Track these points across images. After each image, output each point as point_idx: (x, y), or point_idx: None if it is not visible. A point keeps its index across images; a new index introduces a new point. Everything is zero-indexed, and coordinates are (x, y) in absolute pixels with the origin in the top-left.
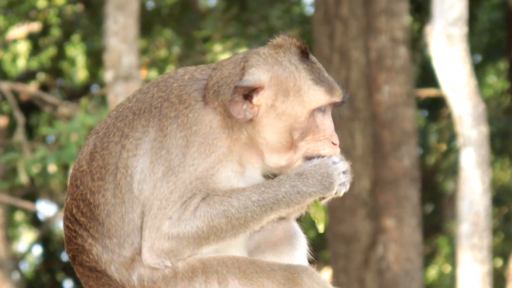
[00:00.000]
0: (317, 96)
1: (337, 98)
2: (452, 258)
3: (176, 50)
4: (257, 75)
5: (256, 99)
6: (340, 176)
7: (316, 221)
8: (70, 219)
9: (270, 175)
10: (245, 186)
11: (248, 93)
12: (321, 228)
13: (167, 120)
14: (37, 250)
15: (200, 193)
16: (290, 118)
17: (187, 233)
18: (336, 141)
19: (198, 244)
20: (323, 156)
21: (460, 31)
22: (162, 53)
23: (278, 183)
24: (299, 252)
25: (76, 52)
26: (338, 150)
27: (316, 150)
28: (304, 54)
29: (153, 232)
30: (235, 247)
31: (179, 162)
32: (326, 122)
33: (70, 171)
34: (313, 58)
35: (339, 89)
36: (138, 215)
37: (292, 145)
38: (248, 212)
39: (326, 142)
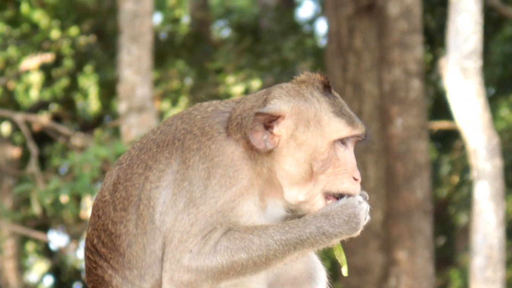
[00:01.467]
0: (338, 127)
1: (358, 131)
2: None
3: (189, 81)
4: (278, 104)
5: (276, 129)
6: (366, 216)
7: (341, 263)
8: (91, 250)
9: (291, 213)
10: (267, 222)
11: (269, 123)
12: (344, 271)
13: (189, 152)
14: (49, 281)
15: (221, 227)
16: (310, 148)
17: (207, 267)
18: (358, 176)
19: (217, 278)
20: (343, 192)
21: (475, 64)
22: (175, 84)
23: (303, 223)
24: (319, 286)
25: (89, 83)
26: (359, 186)
27: (336, 185)
28: (326, 89)
29: (173, 264)
30: (255, 281)
31: (201, 194)
32: (348, 157)
33: (83, 201)
34: (335, 93)
35: (360, 123)
36: (159, 247)
37: (312, 178)
38: (270, 250)
39: (346, 177)
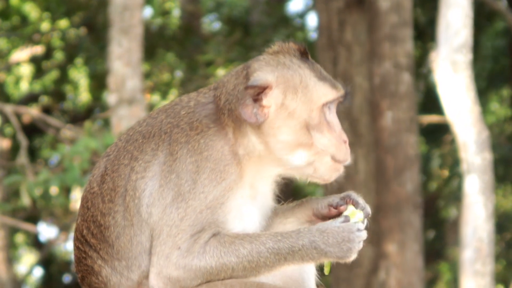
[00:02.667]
0: (324, 91)
1: (342, 93)
2: (453, 284)
3: (179, 74)
4: (263, 76)
5: (265, 101)
6: (360, 244)
7: (323, 264)
8: (81, 240)
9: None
10: (256, 210)
11: (257, 96)
12: (326, 270)
13: (177, 145)
14: (38, 272)
15: (210, 228)
16: (302, 114)
17: (195, 267)
18: (346, 138)
19: (206, 279)
20: (338, 159)
21: (465, 57)
22: (165, 77)
23: (297, 234)
24: (308, 276)
25: (79, 75)
26: (349, 149)
27: (333, 149)
28: (303, 55)
29: (161, 259)
30: None
31: (190, 188)
32: (335, 119)
33: (73, 193)
34: (311, 59)
35: (340, 83)
36: (146, 238)
37: (308, 141)
38: (261, 257)
39: (339, 141)
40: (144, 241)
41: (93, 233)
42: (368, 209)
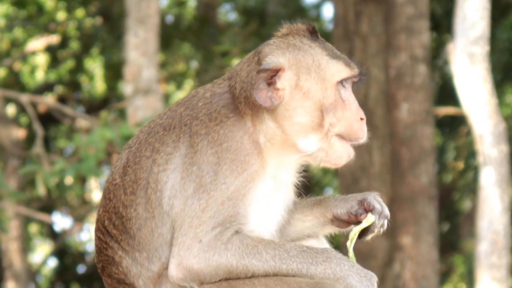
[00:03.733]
0: (338, 68)
1: (356, 72)
2: (467, 277)
3: (195, 64)
4: (274, 59)
5: (279, 83)
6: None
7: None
8: (102, 231)
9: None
10: (279, 202)
11: (270, 80)
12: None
13: (197, 137)
14: (52, 263)
15: (232, 224)
16: (317, 94)
17: (216, 262)
18: (363, 116)
19: (225, 276)
20: (354, 136)
21: (482, 49)
22: (181, 67)
23: (323, 255)
24: None
25: (95, 65)
26: (365, 126)
27: (348, 128)
28: (313, 34)
29: (182, 250)
30: None
31: (211, 179)
32: (351, 97)
33: (88, 183)
34: (321, 38)
35: (355, 63)
36: (167, 230)
37: (324, 124)
38: (283, 264)
39: (355, 119)
40: (165, 233)
41: (114, 224)
42: (386, 211)
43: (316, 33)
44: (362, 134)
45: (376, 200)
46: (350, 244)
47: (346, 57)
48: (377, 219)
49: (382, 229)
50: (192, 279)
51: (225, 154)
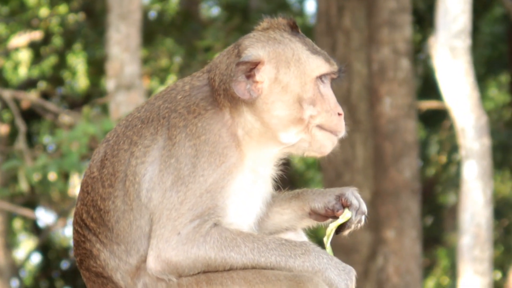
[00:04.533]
0: (317, 63)
1: (335, 68)
2: (450, 270)
3: (178, 59)
4: (254, 51)
5: (258, 76)
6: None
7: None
8: (80, 224)
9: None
10: (257, 195)
11: (250, 72)
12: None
13: (176, 129)
14: (36, 258)
15: (210, 216)
16: (296, 88)
17: (194, 255)
18: (341, 111)
19: (204, 269)
20: (332, 130)
21: (464, 43)
22: (164, 62)
23: (302, 248)
24: None
25: (77, 61)
26: (343, 121)
27: (328, 121)
28: (293, 29)
29: (160, 243)
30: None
31: (189, 172)
32: (329, 93)
33: (71, 179)
34: (301, 33)
35: (334, 60)
36: (145, 222)
37: (303, 116)
38: (262, 257)
39: (333, 114)
40: (144, 226)
41: (92, 217)
42: (364, 207)
43: (297, 27)
44: (341, 128)
45: (354, 195)
46: (327, 240)
47: (326, 53)
48: (353, 215)
49: (359, 224)
50: (170, 272)
51: (203, 146)
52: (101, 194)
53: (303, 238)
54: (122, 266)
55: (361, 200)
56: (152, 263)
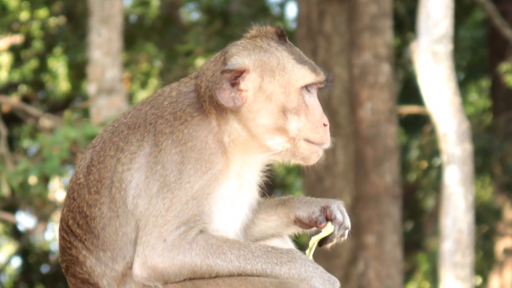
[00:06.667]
0: (303, 73)
1: (322, 78)
2: (431, 275)
3: (158, 63)
4: (240, 59)
5: (243, 85)
6: None
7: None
8: (66, 230)
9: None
10: (243, 201)
11: (235, 80)
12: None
13: (162, 136)
14: (16, 262)
15: (196, 223)
16: (280, 97)
17: (180, 262)
18: (327, 122)
19: (190, 276)
20: (317, 141)
21: (445, 48)
22: (144, 66)
23: (288, 255)
24: None
25: (58, 64)
26: (328, 132)
27: (312, 132)
28: (281, 38)
29: (146, 250)
30: None
31: (175, 178)
32: (315, 103)
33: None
34: (289, 42)
35: (321, 69)
36: (132, 229)
37: (287, 126)
38: (248, 264)
39: (318, 124)
40: (130, 232)
41: (78, 223)
42: (347, 223)
43: (284, 36)
44: (325, 139)
45: (339, 209)
46: (309, 253)
47: (313, 63)
48: (336, 229)
49: (342, 238)
50: (156, 279)
51: (189, 153)
52: (87, 200)
53: (289, 245)
54: (108, 272)
55: (346, 215)
56: (138, 270)
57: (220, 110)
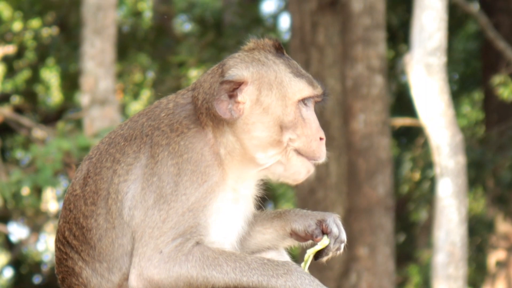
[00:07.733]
0: (300, 87)
1: (319, 91)
2: (423, 287)
3: (151, 74)
4: (238, 72)
5: (240, 97)
6: None
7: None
8: (62, 242)
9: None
10: (239, 214)
11: (232, 92)
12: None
13: (158, 147)
14: (8, 273)
15: (192, 235)
16: (276, 111)
17: (176, 273)
18: (323, 136)
19: (185, 287)
20: (312, 155)
21: (439, 60)
22: (137, 77)
23: (284, 267)
24: None
25: (51, 75)
26: (324, 146)
27: (306, 146)
28: (279, 51)
29: (143, 261)
30: None
31: (171, 190)
32: (312, 116)
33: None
34: (287, 54)
35: (319, 83)
36: (128, 241)
37: (282, 139)
38: (244, 276)
39: (314, 138)
40: (126, 244)
41: (75, 235)
42: (343, 236)
43: (282, 49)
44: (320, 153)
45: (335, 223)
46: (305, 266)
47: (310, 76)
48: (332, 243)
49: (337, 252)
50: None
51: (185, 165)
52: (84, 212)
53: (285, 257)
54: (104, 284)
55: (342, 228)
56: (134, 281)
57: (217, 122)
